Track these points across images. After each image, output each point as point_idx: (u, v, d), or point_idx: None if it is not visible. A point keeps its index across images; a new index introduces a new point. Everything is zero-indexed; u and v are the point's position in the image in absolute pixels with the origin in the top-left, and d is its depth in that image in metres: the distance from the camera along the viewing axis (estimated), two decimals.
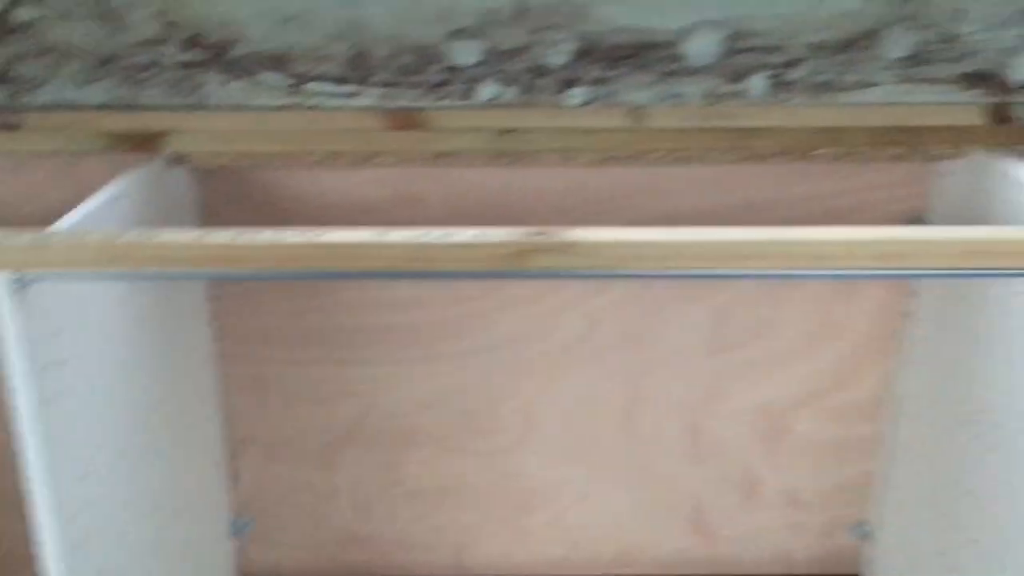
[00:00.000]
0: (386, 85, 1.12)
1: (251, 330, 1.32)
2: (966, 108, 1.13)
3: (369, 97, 1.13)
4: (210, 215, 1.25)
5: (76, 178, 1.20)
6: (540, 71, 1.12)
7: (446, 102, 1.14)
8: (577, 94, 1.13)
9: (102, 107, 1.14)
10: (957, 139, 1.15)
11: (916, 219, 1.24)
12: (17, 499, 1.40)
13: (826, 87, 1.12)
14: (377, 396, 1.36)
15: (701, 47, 1.10)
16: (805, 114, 1.13)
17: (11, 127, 1.16)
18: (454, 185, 1.24)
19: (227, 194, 1.25)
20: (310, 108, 1.14)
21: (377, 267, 0.85)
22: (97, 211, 0.98)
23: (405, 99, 1.14)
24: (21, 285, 0.84)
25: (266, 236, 0.85)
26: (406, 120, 1.15)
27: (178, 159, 1.18)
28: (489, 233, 0.85)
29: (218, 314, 1.31)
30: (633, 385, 1.35)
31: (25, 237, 0.83)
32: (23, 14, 1.09)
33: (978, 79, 1.11)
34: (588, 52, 1.11)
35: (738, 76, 1.12)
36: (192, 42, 1.11)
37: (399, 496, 1.42)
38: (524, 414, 1.37)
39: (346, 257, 0.85)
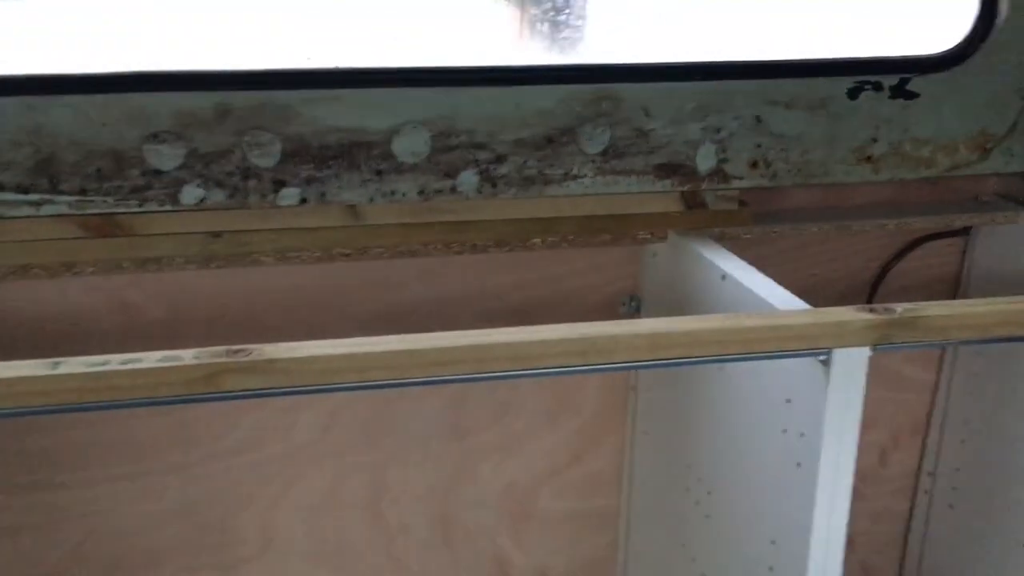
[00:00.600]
0: (78, 192, 1.05)
1: None
2: (663, 196, 1.21)
3: (59, 205, 1.06)
4: None
5: None
6: (248, 173, 1.09)
7: (149, 206, 1.08)
8: (289, 194, 1.11)
9: None
10: (658, 224, 1.22)
11: (632, 297, 1.31)
12: None
13: (533, 180, 1.16)
14: (100, 518, 1.26)
15: (410, 146, 1.11)
16: (516, 206, 1.17)
17: None
18: (167, 291, 1.17)
19: None
20: None
21: (52, 403, 0.79)
22: None
23: (97, 206, 1.07)
24: None
25: None
26: (104, 227, 1.08)
27: None
28: (179, 356, 0.81)
29: None
30: (378, 478, 1.33)
31: None
32: None
33: (670, 169, 1.19)
34: (297, 153, 1.09)
35: (449, 172, 1.14)
36: None
37: None
38: (262, 522, 1.31)
39: (14, 396, 0.78)
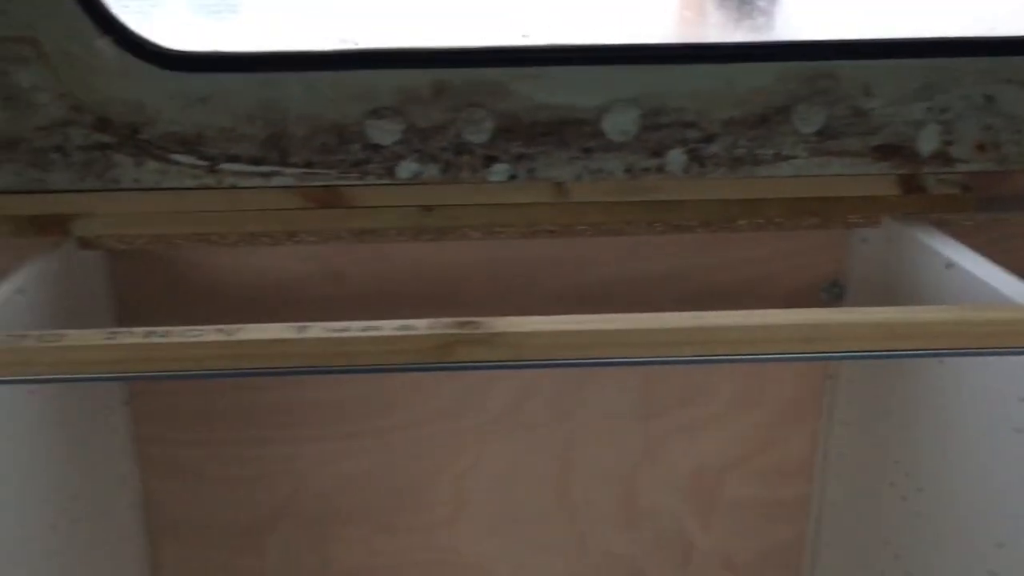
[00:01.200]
0: (304, 165, 1.11)
1: (169, 412, 1.28)
2: (879, 179, 1.16)
3: (287, 177, 1.11)
4: (124, 300, 1.21)
5: None
6: (461, 148, 1.11)
7: (368, 179, 1.12)
8: (499, 170, 1.13)
9: (5, 191, 1.09)
10: (871, 208, 1.17)
11: (835, 284, 1.26)
12: None
13: (743, 161, 1.13)
14: (304, 475, 1.32)
15: (619, 123, 1.11)
16: (722, 187, 1.15)
17: None
18: (377, 262, 1.22)
19: (141, 278, 1.21)
20: (228, 189, 1.11)
21: (296, 365, 0.83)
22: (3, 304, 0.94)
23: (322, 179, 1.12)
24: None
25: (179, 335, 0.82)
26: (326, 198, 1.13)
27: (88, 243, 1.13)
28: (413, 326, 0.84)
29: (134, 398, 1.26)
30: (566, 454, 1.34)
31: None
32: None
33: (889, 151, 1.14)
34: (508, 129, 1.11)
35: (657, 151, 1.13)
36: (101, 124, 1.07)
37: None
38: (455, 489, 1.35)
39: (263, 356, 0.82)
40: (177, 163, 1.10)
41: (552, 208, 1.16)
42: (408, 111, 1.09)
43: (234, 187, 1.12)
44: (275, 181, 1.11)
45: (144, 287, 1.23)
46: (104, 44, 1.04)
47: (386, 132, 1.10)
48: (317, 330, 0.83)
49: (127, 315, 1.22)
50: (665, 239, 1.21)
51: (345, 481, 1.33)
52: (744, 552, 1.41)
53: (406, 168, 1.12)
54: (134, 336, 0.81)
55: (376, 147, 1.11)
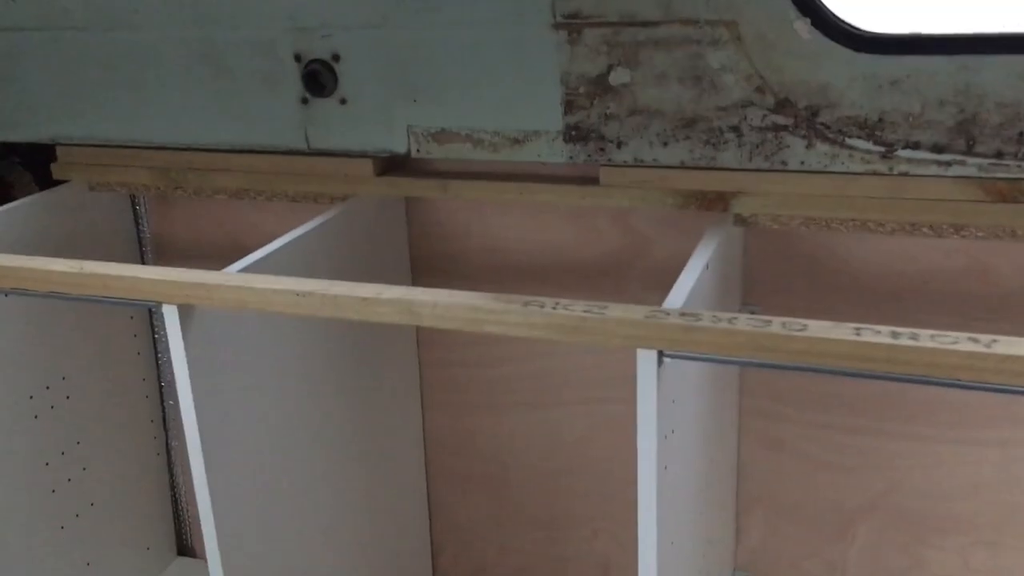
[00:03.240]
0: (993, 155, 1.03)
1: (772, 389, 1.30)
2: None
3: (969, 167, 1.05)
4: (754, 278, 1.25)
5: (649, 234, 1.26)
6: None
7: None
8: None
9: (678, 167, 1.16)
10: None
11: None
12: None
13: None
14: (904, 473, 1.27)
15: None
16: None
17: (588, 182, 1.23)
18: None
19: (772, 255, 1.24)
20: (898, 176, 1.08)
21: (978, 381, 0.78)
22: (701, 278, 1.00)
23: (1009, 171, 1.03)
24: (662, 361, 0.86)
25: (840, 330, 0.80)
26: (1008, 192, 1.05)
27: (742, 221, 1.17)
28: None
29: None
30: None
31: (675, 316, 0.86)
32: (618, 77, 1.15)
33: None
34: None
35: None
36: (781, 105, 1.09)
37: None
38: None
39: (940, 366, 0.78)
40: (850, 147, 1.08)
41: None
42: None
43: (904, 175, 1.08)
44: (953, 171, 1.05)
45: (774, 266, 1.25)
46: (801, 26, 1.05)
47: None
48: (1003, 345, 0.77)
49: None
50: None
51: (953, 487, 1.25)
52: None
53: None
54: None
55: None
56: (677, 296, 0.93)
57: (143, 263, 1.58)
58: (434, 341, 1.46)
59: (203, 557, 1.36)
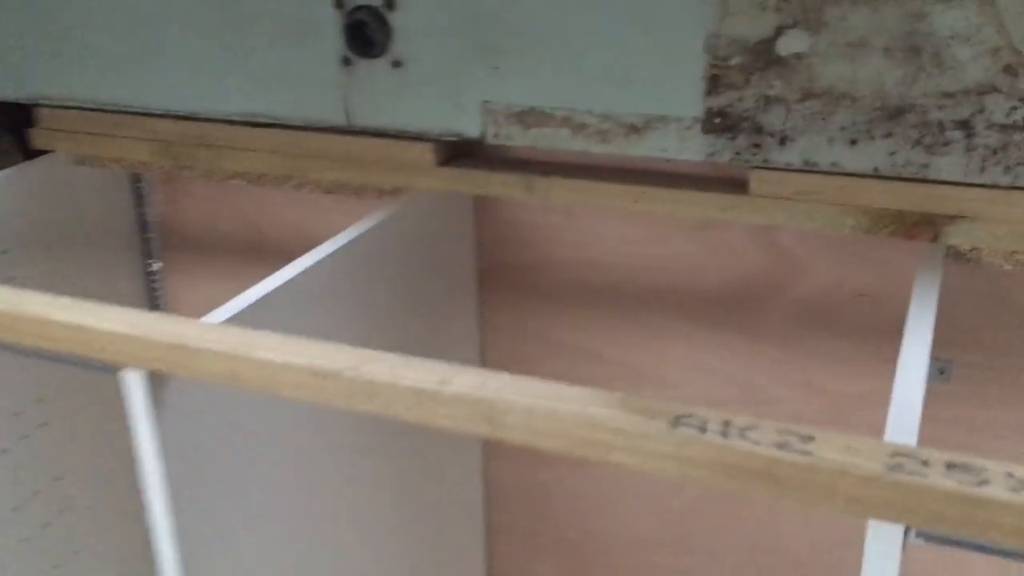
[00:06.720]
0: None
1: None
2: None
3: None
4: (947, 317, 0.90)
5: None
6: None
7: None
8: None
9: (870, 175, 0.81)
10: None
11: None
12: None
13: None
14: None
15: None
16: None
17: (730, 187, 0.88)
18: None
19: (976, 295, 0.90)
20: None
21: None
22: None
23: None
24: None
25: None
26: None
27: (959, 255, 0.82)
28: None
29: None
30: None
31: (939, 470, 0.51)
32: (791, 43, 0.79)
33: None
34: None
35: None
36: None
37: None
38: None
39: None
40: None
41: None
42: None
43: None
44: None
45: (979, 311, 0.91)
46: None
47: None
48: None
49: None
50: None
51: None
52: None
53: None
54: None
55: None
56: (907, 392, 0.59)
57: (148, 259, 1.28)
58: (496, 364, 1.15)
59: None
